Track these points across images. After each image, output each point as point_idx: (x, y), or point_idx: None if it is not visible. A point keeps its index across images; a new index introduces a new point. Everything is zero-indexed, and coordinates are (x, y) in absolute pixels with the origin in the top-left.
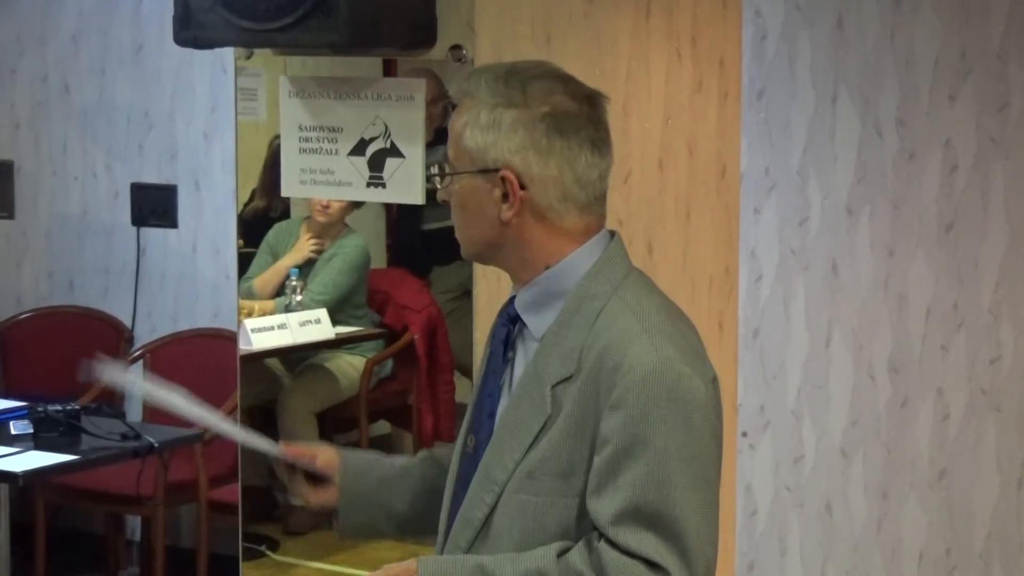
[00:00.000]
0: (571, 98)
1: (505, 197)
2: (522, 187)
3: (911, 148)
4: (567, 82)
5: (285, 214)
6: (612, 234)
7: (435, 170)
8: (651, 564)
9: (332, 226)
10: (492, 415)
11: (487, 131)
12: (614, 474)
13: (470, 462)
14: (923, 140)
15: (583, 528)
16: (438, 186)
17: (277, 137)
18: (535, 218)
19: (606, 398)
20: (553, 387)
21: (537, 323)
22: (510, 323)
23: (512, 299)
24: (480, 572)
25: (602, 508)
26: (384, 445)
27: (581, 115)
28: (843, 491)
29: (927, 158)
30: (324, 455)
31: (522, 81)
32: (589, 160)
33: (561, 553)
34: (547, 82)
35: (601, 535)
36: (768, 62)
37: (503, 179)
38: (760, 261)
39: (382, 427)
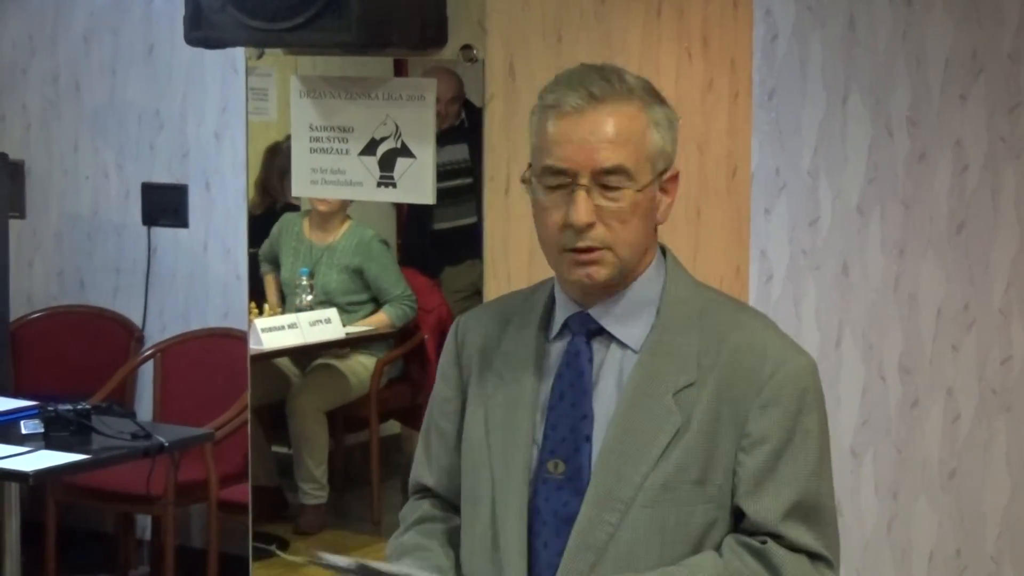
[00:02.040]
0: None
1: (663, 194)
2: None
3: (922, 148)
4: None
5: (277, 213)
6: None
7: (615, 181)
8: (813, 556)
9: (334, 215)
10: (589, 438)
11: (666, 129)
12: (775, 470)
13: (561, 488)
14: (934, 140)
15: (717, 533)
16: (609, 201)
17: (277, 141)
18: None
19: (752, 399)
20: (675, 395)
21: (631, 334)
22: (589, 339)
23: (580, 315)
24: None
25: (767, 506)
26: (394, 445)
27: None
28: (853, 491)
29: (938, 158)
30: None
31: (639, 80)
32: None
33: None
34: (648, 83)
35: (765, 535)
36: (779, 62)
37: (673, 178)
38: (771, 261)
39: (392, 427)
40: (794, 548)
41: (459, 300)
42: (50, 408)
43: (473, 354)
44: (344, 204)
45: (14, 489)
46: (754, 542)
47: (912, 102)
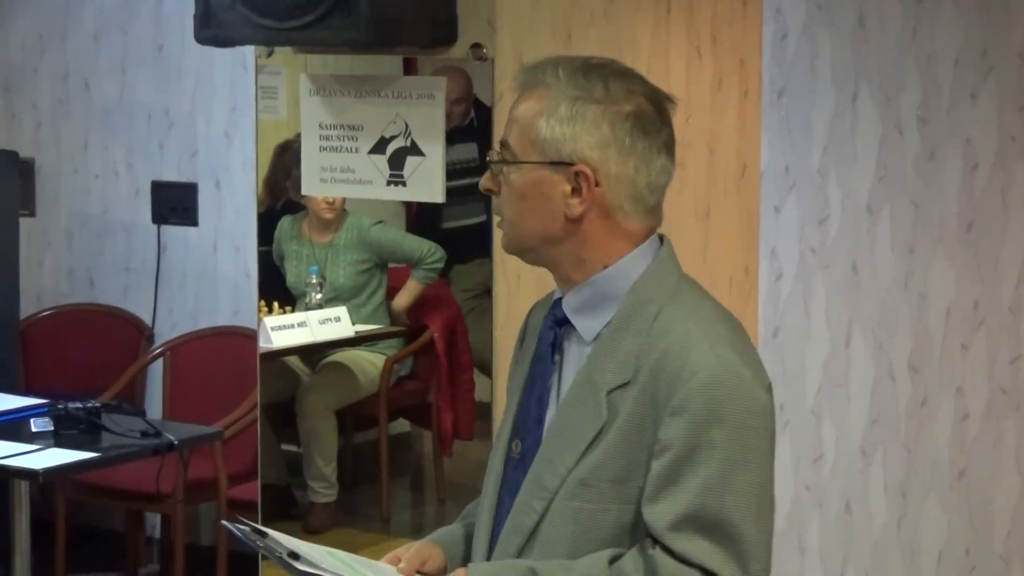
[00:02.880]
0: (650, 100)
1: (575, 192)
2: (596, 184)
3: (932, 147)
4: (644, 82)
5: (284, 210)
6: (661, 238)
7: (492, 155)
8: (708, 573)
9: (337, 218)
10: (541, 421)
11: (567, 123)
12: (673, 480)
13: (516, 468)
14: (944, 138)
15: (636, 535)
16: (494, 173)
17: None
18: (600, 216)
19: (666, 404)
20: (609, 393)
21: (588, 326)
22: (557, 326)
23: (557, 301)
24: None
25: (659, 514)
26: (403, 443)
27: (660, 118)
28: (862, 490)
29: (948, 157)
30: (432, 560)
31: (603, 76)
32: (663, 164)
33: (613, 560)
34: (627, 80)
35: (656, 542)
36: (789, 60)
37: (578, 174)
38: (780, 260)
39: (401, 425)
40: (685, 561)
41: (468, 299)
42: (60, 406)
43: (527, 338)
44: (342, 203)
45: (24, 487)
46: (648, 548)
47: (922, 100)
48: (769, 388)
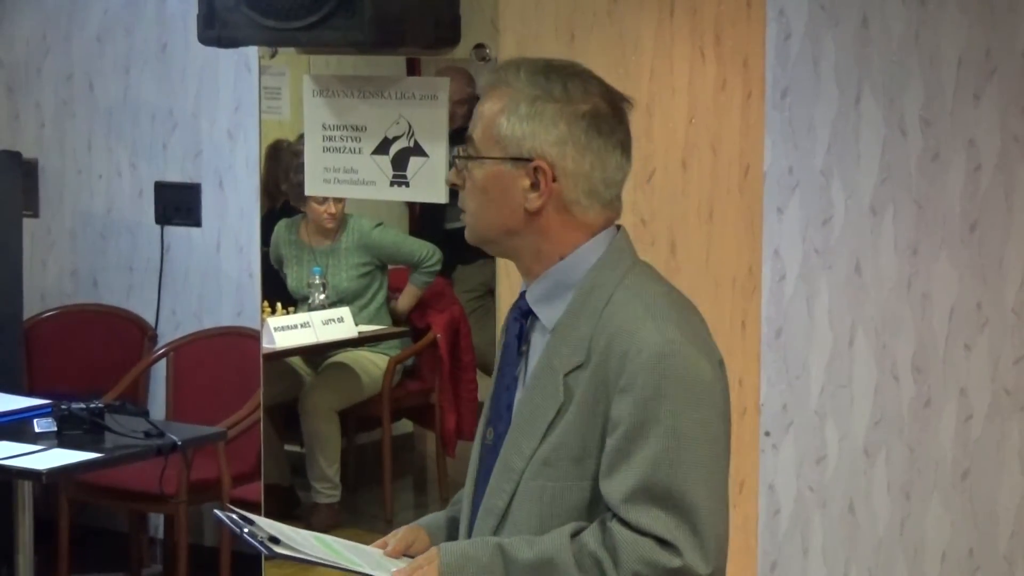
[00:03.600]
0: (607, 100)
1: (533, 187)
2: (553, 179)
3: (935, 148)
4: (601, 84)
5: (282, 212)
6: (618, 227)
7: (458, 151)
8: (662, 541)
9: (337, 222)
10: (510, 407)
11: (526, 121)
12: (625, 455)
13: (490, 454)
14: (947, 140)
15: (597, 511)
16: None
17: (276, 141)
18: (558, 210)
19: (615, 383)
20: (566, 376)
21: (549, 314)
22: (522, 317)
23: (523, 293)
24: (499, 552)
25: (613, 488)
26: (406, 443)
27: (616, 117)
28: (866, 491)
29: (951, 158)
30: (417, 543)
31: (562, 78)
32: (619, 161)
33: (575, 534)
34: (585, 82)
35: (613, 515)
36: (792, 61)
37: (536, 169)
38: (783, 260)
39: (405, 425)
40: (639, 531)
41: (471, 299)
42: (63, 406)
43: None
44: (342, 208)
45: (27, 487)
46: (607, 521)
47: (925, 101)
48: (720, 363)
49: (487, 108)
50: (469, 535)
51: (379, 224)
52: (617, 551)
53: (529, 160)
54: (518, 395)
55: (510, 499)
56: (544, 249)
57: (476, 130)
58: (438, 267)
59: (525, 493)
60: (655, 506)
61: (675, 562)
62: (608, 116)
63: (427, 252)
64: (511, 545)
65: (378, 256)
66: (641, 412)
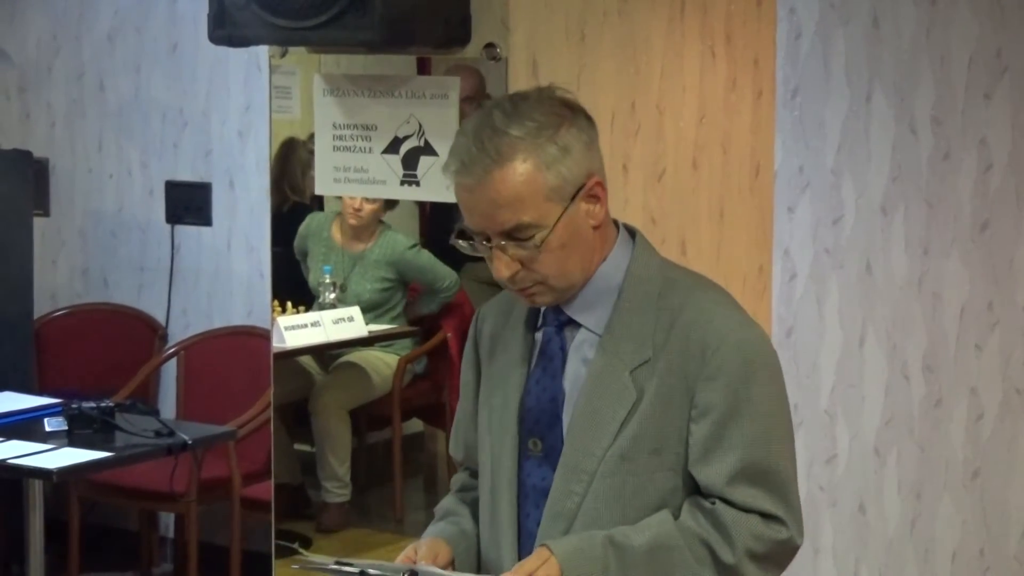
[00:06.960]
0: (565, 104)
1: (590, 199)
2: (600, 183)
3: (946, 147)
4: (549, 95)
5: (295, 210)
6: (617, 224)
7: (508, 248)
8: (766, 516)
9: (364, 228)
10: (558, 417)
11: (559, 156)
12: (720, 439)
13: (538, 465)
14: (958, 139)
15: (677, 498)
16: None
17: (289, 139)
18: (605, 214)
19: (698, 373)
20: (631, 372)
21: (594, 320)
22: (560, 328)
23: (543, 310)
24: (609, 542)
25: (714, 472)
26: (417, 443)
27: (585, 115)
28: (876, 491)
29: (962, 157)
30: (441, 556)
31: (537, 103)
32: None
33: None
34: (540, 99)
35: (714, 497)
36: (802, 60)
37: (595, 185)
38: (794, 260)
39: (415, 425)
40: (745, 509)
41: (482, 291)
42: (74, 406)
43: (486, 340)
44: (375, 216)
45: (38, 486)
46: (706, 503)
47: (936, 101)
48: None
49: (518, 183)
50: (519, 544)
51: (414, 245)
52: (728, 530)
53: (583, 185)
54: (568, 404)
55: (581, 500)
56: (594, 260)
57: (524, 214)
58: (453, 296)
59: (598, 492)
60: (756, 484)
61: (783, 533)
62: (583, 115)
63: (451, 282)
64: (619, 533)
65: (405, 274)
66: (733, 396)
